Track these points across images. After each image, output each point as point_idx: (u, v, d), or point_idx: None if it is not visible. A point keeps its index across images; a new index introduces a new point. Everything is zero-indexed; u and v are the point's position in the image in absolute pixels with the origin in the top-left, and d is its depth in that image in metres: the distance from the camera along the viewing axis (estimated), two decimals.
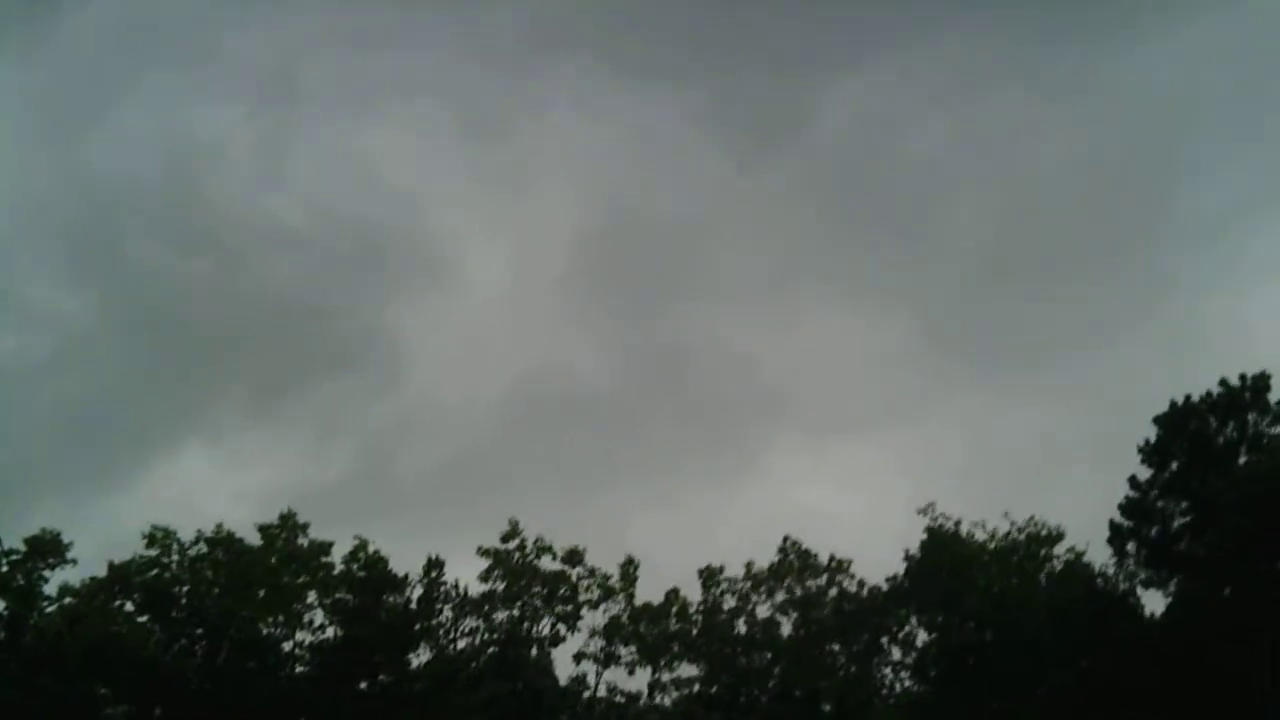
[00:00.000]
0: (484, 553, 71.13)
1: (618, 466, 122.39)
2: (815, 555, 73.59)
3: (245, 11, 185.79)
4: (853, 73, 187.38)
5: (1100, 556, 66.52)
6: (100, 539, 70.41)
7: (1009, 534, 70.01)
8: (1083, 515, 70.86)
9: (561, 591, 71.06)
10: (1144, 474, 64.60)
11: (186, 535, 68.77)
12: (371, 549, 69.96)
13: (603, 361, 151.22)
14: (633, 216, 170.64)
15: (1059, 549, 69.58)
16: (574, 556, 71.88)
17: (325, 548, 70.04)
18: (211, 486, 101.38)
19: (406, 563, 70.57)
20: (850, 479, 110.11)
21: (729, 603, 73.47)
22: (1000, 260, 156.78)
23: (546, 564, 71.74)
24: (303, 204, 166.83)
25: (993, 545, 69.96)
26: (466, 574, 71.40)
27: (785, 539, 74.11)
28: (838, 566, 73.25)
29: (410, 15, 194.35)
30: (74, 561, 67.17)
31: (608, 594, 71.88)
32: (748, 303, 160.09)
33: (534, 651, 71.33)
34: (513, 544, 71.61)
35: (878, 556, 75.09)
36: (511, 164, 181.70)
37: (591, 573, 72.05)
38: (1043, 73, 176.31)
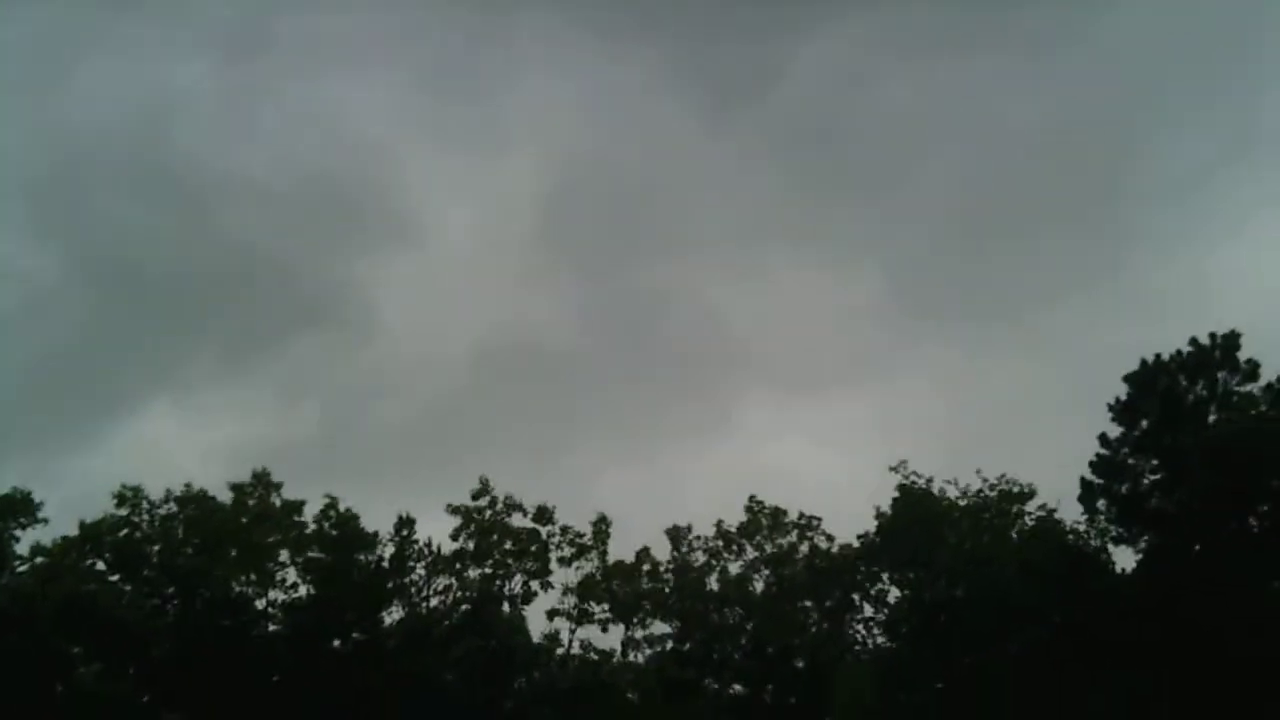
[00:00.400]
0: (454, 510, 71.09)
1: (586, 423, 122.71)
2: (785, 513, 73.64)
3: None
4: (822, 29, 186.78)
5: (1072, 513, 66.77)
6: (67, 496, 70.29)
7: (980, 491, 69.99)
8: (1052, 468, 71.02)
9: (533, 549, 70.92)
10: (1115, 432, 64.63)
11: (156, 493, 68.96)
12: (343, 507, 69.92)
13: (571, 318, 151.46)
14: (600, 173, 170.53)
15: (1030, 506, 69.48)
16: (544, 514, 71.74)
17: (298, 506, 70.12)
18: (179, 443, 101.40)
19: (375, 520, 70.89)
20: (820, 434, 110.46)
21: (699, 560, 73.54)
22: (969, 217, 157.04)
23: (517, 521, 71.78)
24: (272, 159, 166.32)
25: (964, 502, 69.97)
26: (437, 531, 71.64)
27: (751, 498, 74.27)
28: (807, 524, 73.31)
29: None
30: (45, 521, 67.28)
31: (580, 552, 71.78)
32: (716, 259, 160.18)
33: (506, 609, 71.39)
34: (483, 501, 71.42)
35: (849, 512, 75.12)
36: (480, 121, 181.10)
37: (564, 530, 71.96)
38: (1011, 31, 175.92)
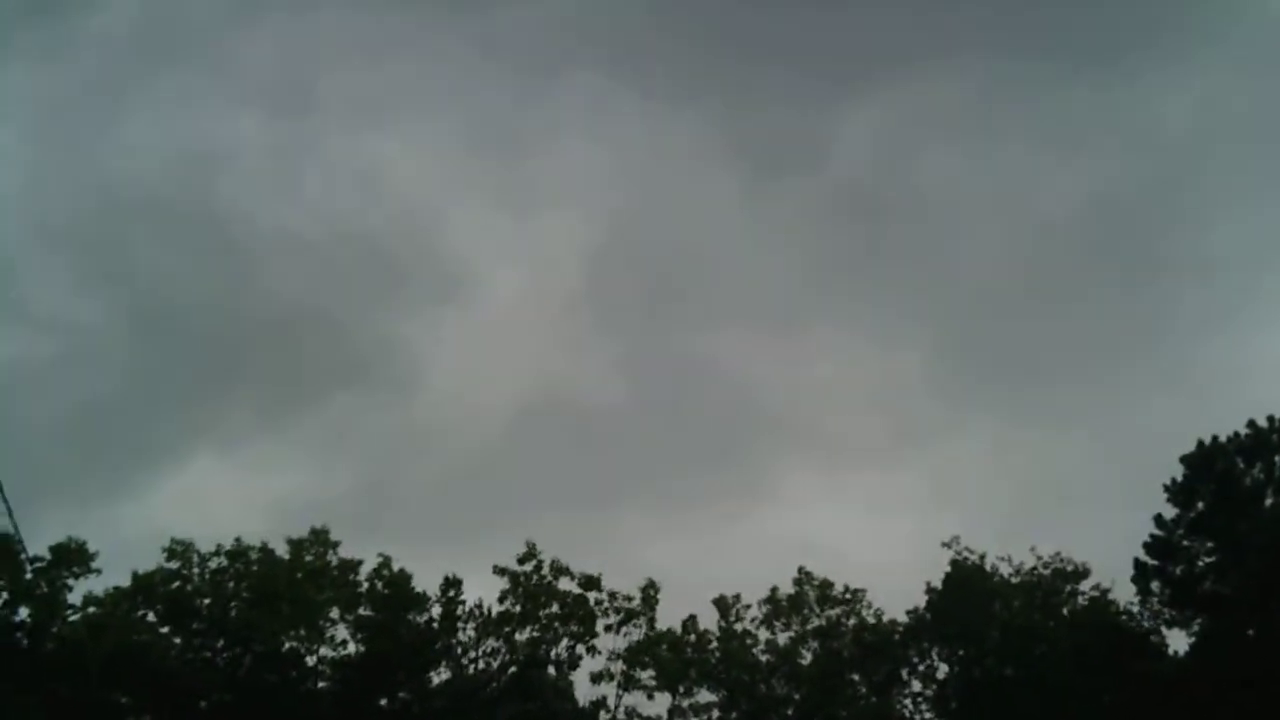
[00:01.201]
0: (501, 572, 70.91)
1: (628, 486, 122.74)
2: (832, 585, 73.30)
3: (262, 17, 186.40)
4: (868, 101, 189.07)
5: (1125, 594, 67.04)
6: (111, 544, 69.85)
7: (1034, 569, 70.08)
8: (1102, 543, 71.75)
9: (580, 613, 70.65)
10: (1170, 513, 65.37)
11: (204, 545, 69.27)
12: (396, 567, 70.16)
13: (613, 381, 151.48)
14: (643, 236, 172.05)
15: (1084, 585, 69.52)
16: (590, 582, 71.41)
17: (354, 565, 70.33)
18: (222, 494, 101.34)
19: (417, 577, 70.93)
20: (864, 505, 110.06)
21: (747, 630, 73.20)
22: (1013, 290, 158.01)
23: (564, 585, 71.36)
24: (317, 214, 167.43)
25: (1016, 580, 70.03)
26: (481, 591, 71.34)
27: (800, 569, 74.00)
28: (855, 597, 73.03)
29: (428, 27, 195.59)
30: (98, 571, 67.49)
31: (628, 617, 71.41)
32: (758, 326, 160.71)
33: (552, 672, 71.06)
34: (529, 566, 71.28)
35: (895, 583, 74.98)
36: (525, 180, 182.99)
37: (612, 596, 71.39)
38: (1056, 109, 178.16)
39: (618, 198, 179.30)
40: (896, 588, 73.38)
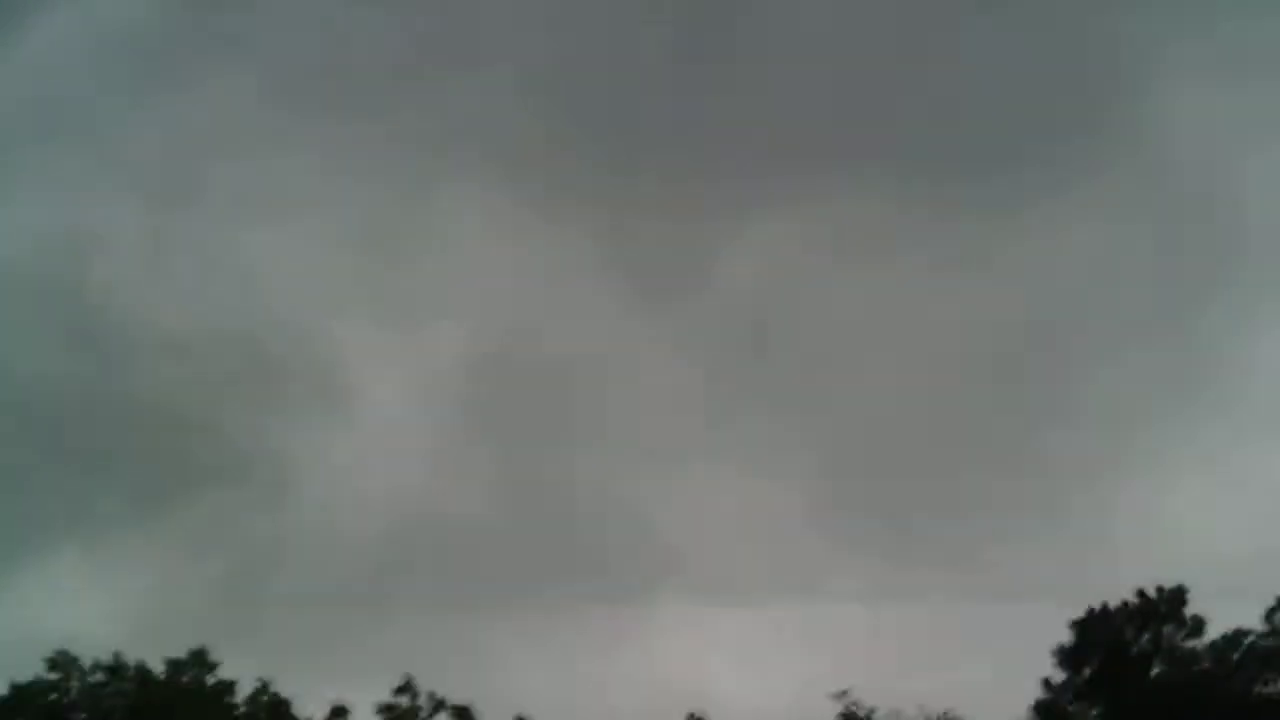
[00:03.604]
0: (382, 709, 69.87)
1: (503, 607, 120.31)
2: None
3: (149, 101, 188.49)
4: (759, 220, 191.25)
5: None
6: None
7: None
8: (980, 697, 71.00)
9: None
10: (1057, 677, 65.07)
11: (70, 644, 67.60)
12: (273, 690, 69.09)
13: (491, 500, 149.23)
14: (529, 350, 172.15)
15: None
16: (462, 714, 70.31)
17: (229, 687, 69.24)
18: (86, 589, 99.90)
19: (285, 691, 69.42)
20: (741, 645, 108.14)
21: None
22: (903, 431, 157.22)
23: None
24: (192, 310, 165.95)
25: None
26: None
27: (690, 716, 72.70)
28: None
29: (318, 125, 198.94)
30: None
31: None
32: (640, 452, 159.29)
33: None
34: (404, 699, 70.28)
35: None
36: (409, 284, 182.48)
37: None
38: (952, 241, 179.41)
39: (505, 310, 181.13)
40: None
